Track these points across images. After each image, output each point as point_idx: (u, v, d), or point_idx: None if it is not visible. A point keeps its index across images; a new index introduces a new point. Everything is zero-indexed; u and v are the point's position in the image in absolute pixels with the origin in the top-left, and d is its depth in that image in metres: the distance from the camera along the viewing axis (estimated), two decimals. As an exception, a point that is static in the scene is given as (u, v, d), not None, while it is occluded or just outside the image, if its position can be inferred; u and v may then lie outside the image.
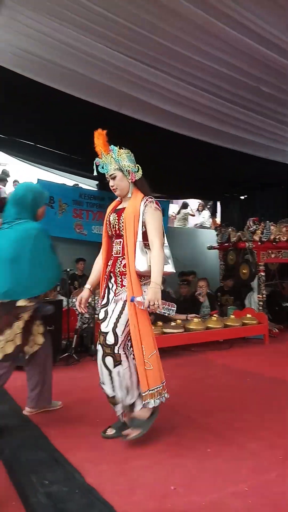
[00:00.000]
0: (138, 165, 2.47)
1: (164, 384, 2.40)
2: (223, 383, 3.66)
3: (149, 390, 2.31)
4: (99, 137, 2.43)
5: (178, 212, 11.29)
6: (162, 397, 2.36)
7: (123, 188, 2.48)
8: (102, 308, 2.48)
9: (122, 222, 2.40)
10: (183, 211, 11.11)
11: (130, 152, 2.48)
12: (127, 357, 2.39)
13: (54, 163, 8.13)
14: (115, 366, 2.34)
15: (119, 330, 2.35)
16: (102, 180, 8.62)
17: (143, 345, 2.29)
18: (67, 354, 4.56)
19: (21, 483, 1.95)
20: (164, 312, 2.29)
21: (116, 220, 2.46)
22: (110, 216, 2.54)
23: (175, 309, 2.31)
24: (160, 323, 4.83)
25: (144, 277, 2.36)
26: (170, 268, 2.49)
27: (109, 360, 2.35)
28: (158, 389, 2.34)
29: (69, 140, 6.31)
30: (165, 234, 2.46)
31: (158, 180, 8.08)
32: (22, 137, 6.69)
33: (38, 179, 8.01)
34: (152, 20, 3.29)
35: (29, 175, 9.82)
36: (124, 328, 2.36)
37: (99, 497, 1.81)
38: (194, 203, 11.65)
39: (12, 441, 2.44)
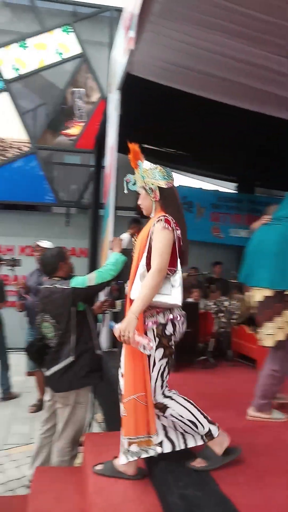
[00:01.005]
0: (166, 181, 2.18)
1: (151, 438, 2.02)
2: None
3: (127, 438, 2.03)
4: (130, 151, 2.24)
5: None
6: (144, 451, 2.02)
7: (146, 207, 2.23)
8: None
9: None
10: None
11: (159, 167, 2.21)
12: (171, 398, 2.12)
13: (193, 168, 8.29)
14: (163, 413, 2.10)
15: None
16: (241, 182, 8.53)
17: (124, 385, 2.04)
18: (204, 357, 4.59)
19: (158, 480, 2.02)
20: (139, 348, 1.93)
21: (134, 244, 2.24)
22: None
23: (153, 347, 1.96)
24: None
25: (152, 308, 2.04)
26: (172, 299, 2.04)
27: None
28: (139, 440, 2.00)
29: (208, 145, 6.35)
30: (178, 259, 2.10)
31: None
32: (164, 146, 6.99)
33: (179, 185, 8.24)
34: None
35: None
36: (151, 374, 2.05)
37: (235, 509, 1.77)
38: None
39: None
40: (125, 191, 2.33)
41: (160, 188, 2.17)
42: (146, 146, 7.14)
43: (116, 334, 1.95)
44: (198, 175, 8.80)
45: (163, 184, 2.18)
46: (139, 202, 2.26)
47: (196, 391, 3.17)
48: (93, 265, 7.16)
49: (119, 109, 4.38)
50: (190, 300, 4.86)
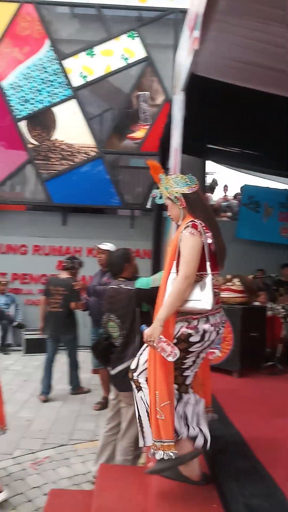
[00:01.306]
0: (189, 186, 2.21)
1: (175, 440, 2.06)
2: None
3: (160, 442, 2.02)
4: (150, 168, 2.31)
5: None
6: (168, 454, 2.01)
7: (175, 216, 2.27)
8: None
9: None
10: None
11: (180, 175, 2.28)
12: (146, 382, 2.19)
13: (261, 167, 8.05)
14: (137, 391, 2.22)
15: (142, 358, 2.23)
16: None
17: (157, 391, 2.04)
18: (271, 363, 4.43)
19: (222, 487, 1.98)
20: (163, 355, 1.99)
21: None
22: None
23: (177, 355, 1.98)
24: None
25: (181, 312, 2.08)
26: (201, 304, 2.05)
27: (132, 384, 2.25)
28: (169, 444, 2.01)
29: (277, 143, 6.14)
30: (207, 263, 2.08)
31: None
32: (230, 145, 6.87)
33: (245, 184, 8.05)
34: None
35: (236, 181, 9.97)
36: (146, 360, 2.18)
37: (304, 524, 1.69)
38: None
39: (215, 443, 2.48)
40: (148, 206, 2.41)
41: (184, 195, 2.22)
42: (211, 146, 7.06)
43: (144, 339, 2.05)
44: (266, 174, 8.55)
45: (186, 190, 2.23)
46: (168, 214, 2.33)
47: (260, 397, 3.08)
48: (157, 266, 7.19)
49: (183, 110, 4.37)
50: (256, 303, 4.72)
